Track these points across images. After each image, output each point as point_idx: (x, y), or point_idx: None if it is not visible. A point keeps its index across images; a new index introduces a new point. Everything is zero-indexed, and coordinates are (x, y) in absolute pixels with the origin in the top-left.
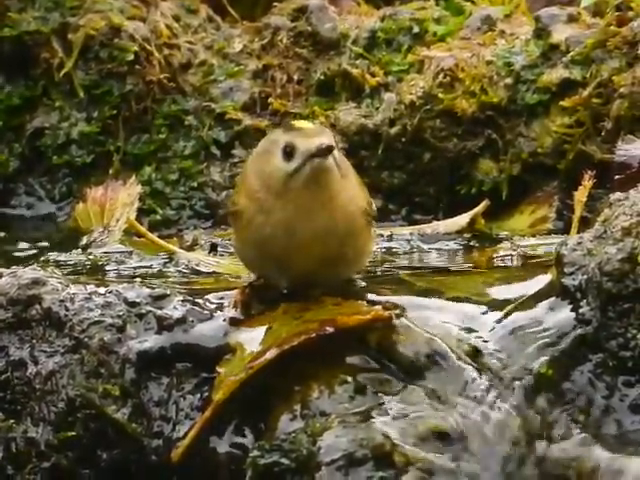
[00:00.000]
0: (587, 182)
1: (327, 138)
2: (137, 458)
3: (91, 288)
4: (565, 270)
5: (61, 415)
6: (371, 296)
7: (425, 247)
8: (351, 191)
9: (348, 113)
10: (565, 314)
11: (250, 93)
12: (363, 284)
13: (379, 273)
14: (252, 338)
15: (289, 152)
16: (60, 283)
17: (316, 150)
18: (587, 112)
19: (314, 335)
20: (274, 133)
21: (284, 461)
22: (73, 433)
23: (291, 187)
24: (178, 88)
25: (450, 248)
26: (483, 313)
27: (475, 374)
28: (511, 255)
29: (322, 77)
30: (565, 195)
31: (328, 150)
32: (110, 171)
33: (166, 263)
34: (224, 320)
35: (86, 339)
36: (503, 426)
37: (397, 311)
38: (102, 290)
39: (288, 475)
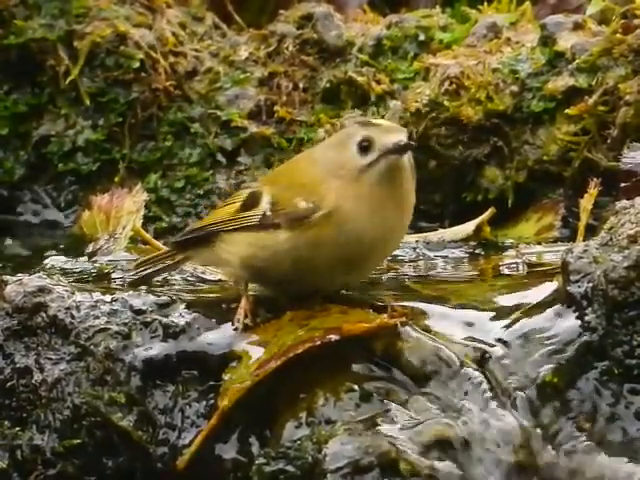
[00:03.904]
0: (593, 190)
1: (405, 136)
2: (143, 466)
3: (97, 296)
4: (571, 278)
5: (67, 422)
6: (377, 303)
7: (431, 255)
8: (413, 193)
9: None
10: (571, 322)
11: (256, 101)
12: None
13: (385, 281)
14: (258, 346)
15: (366, 146)
16: (66, 291)
17: (393, 146)
18: (593, 120)
19: (319, 343)
20: (350, 127)
21: (289, 468)
22: (79, 441)
23: (364, 182)
24: (184, 96)
25: (456, 256)
26: (489, 321)
27: (480, 381)
28: (517, 263)
29: (328, 85)
30: (571, 203)
31: (406, 147)
32: (116, 179)
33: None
34: (230, 328)
35: (92, 347)
36: (508, 433)
37: (403, 319)
38: (108, 298)
39: None
